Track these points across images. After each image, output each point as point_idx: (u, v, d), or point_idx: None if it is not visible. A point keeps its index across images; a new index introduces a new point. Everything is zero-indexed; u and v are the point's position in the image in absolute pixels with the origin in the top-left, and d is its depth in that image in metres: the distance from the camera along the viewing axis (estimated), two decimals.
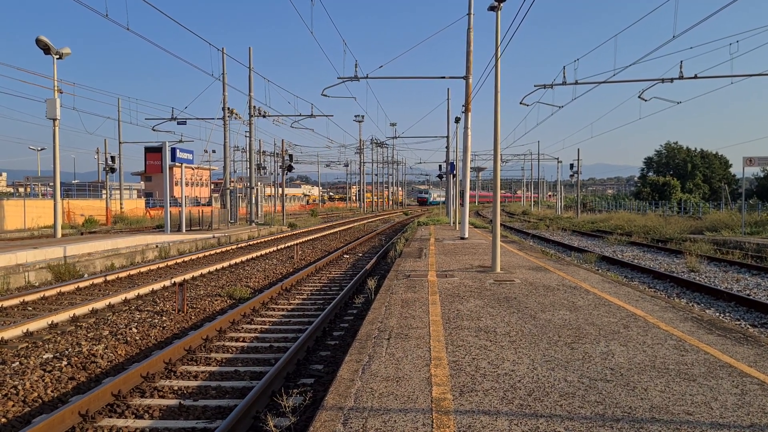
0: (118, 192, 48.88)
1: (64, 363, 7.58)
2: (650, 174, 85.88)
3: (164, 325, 9.94)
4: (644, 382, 5.09)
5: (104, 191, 44.60)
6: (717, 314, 10.88)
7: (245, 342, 8.91)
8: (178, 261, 18.65)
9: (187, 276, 15.12)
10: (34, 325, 9.41)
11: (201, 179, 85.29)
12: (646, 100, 26.82)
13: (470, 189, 23.70)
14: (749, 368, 5.50)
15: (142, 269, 16.44)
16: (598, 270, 15.40)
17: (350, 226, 41.52)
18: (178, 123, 38.37)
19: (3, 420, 5.85)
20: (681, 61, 23.89)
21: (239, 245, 24.58)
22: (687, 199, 63.82)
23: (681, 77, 24.21)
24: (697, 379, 5.20)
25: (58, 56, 22.79)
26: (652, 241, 28.11)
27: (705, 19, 15.46)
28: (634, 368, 5.50)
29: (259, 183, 40.56)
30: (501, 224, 15.24)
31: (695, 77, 23.98)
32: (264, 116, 38.47)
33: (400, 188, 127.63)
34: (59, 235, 23.42)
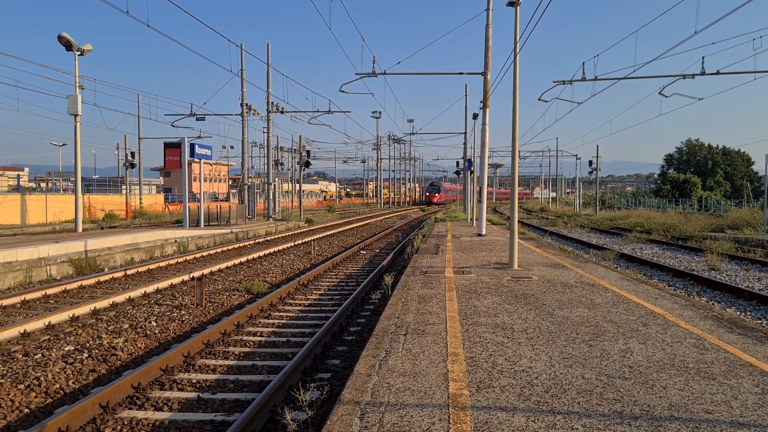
0: (137, 187, 49.41)
1: (85, 355, 7.70)
2: (670, 171, 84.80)
3: (183, 318, 10.04)
4: (663, 381, 5.04)
5: (124, 186, 45.09)
6: (738, 313, 10.74)
7: (263, 336, 8.98)
8: (197, 256, 18.81)
9: (206, 271, 15.26)
10: (55, 318, 9.56)
11: (219, 175, 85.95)
12: (666, 97, 26.50)
13: (488, 186, 23.61)
14: None
15: (161, 264, 16.61)
16: (616, 267, 15.26)
17: (367, 222, 41.56)
18: (197, 119, 38.74)
19: (26, 410, 5.96)
20: (703, 57, 23.56)
21: (257, 241, 24.73)
22: (708, 196, 62.91)
23: (703, 73, 23.90)
24: (717, 377, 5.14)
25: (79, 53, 23.06)
26: (672, 239, 27.79)
27: (728, 14, 15.20)
28: (653, 366, 5.45)
29: (276, 179, 40.75)
30: (518, 221, 15.17)
31: (717, 73, 23.64)
32: (282, 112, 38.64)
33: (417, 184, 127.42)
34: (80, 229, 23.74)
